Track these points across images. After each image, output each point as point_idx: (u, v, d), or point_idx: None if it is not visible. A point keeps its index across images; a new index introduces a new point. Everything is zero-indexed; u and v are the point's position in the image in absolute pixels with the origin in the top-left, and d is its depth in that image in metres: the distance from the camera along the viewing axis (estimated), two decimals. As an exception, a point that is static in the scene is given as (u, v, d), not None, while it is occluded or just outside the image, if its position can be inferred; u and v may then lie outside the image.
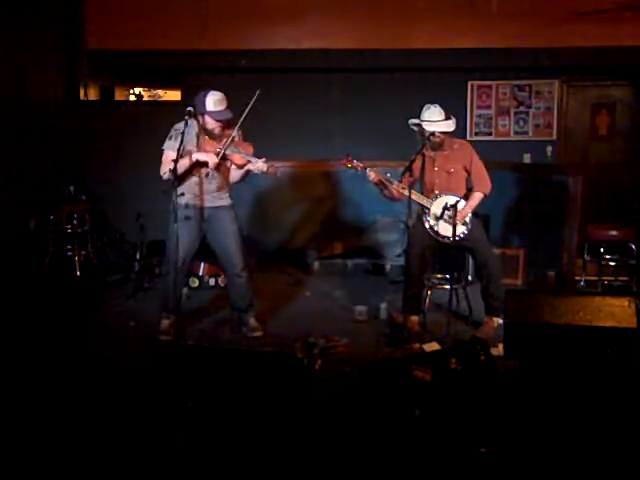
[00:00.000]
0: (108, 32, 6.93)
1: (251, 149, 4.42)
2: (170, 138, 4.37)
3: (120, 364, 4.01)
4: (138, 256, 6.17)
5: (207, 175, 4.39)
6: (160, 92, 9.56)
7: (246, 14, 6.87)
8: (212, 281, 6.00)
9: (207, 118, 4.30)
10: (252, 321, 4.70)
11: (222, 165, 4.44)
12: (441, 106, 4.55)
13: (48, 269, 6.08)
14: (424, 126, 4.49)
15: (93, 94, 7.74)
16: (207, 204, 4.48)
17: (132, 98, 9.10)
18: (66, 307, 5.28)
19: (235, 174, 4.57)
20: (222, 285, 5.98)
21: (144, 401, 3.16)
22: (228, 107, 4.31)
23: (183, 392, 3.06)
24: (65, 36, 7.02)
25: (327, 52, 6.94)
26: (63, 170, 6.82)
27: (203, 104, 4.25)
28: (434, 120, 4.48)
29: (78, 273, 6.17)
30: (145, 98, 9.29)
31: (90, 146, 6.95)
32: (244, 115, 4.30)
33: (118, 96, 8.63)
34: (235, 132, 4.35)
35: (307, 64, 7.03)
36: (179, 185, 4.36)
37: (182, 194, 4.39)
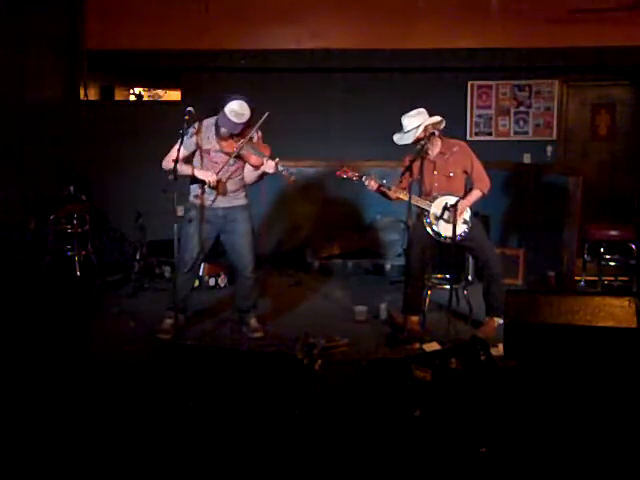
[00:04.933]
0: (108, 32, 6.92)
1: (268, 151, 4.43)
2: (187, 134, 4.33)
3: (120, 364, 4.00)
4: (138, 256, 6.17)
5: (202, 190, 4.39)
6: (160, 92, 9.55)
7: (246, 14, 6.86)
8: (212, 281, 6.00)
9: (220, 116, 4.31)
10: (253, 321, 4.71)
11: (241, 167, 4.48)
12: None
13: (48, 269, 6.08)
14: (394, 139, 4.57)
15: (93, 94, 7.74)
16: (223, 204, 4.49)
17: (132, 98, 9.09)
18: (66, 307, 5.29)
19: (251, 175, 4.56)
20: (222, 285, 5.99)
21: (144, 401, 3.16)
22: (243, 123, 4.27)
23: (184, 392, 3.06)
24: (65, 36, 7.01)
25: (327, 52, 6.94)
26: (63, 170, 6.82)
27: (225, 103, 4.26)
28: (399, 134, 4.56)
29: (78, 273, 6.17)
30: (145, 98, 9.28)
31: (90, 146, 6.94)
32: (257, 126, 4.33)
33: (118, 96, 8.62)
34: (253, 133, 4.37)
35: (307, 64, 7.02)
36: (193, 185, 4.40)
37: (196, 195, 4.41)
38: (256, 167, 4.44)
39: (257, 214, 6.57)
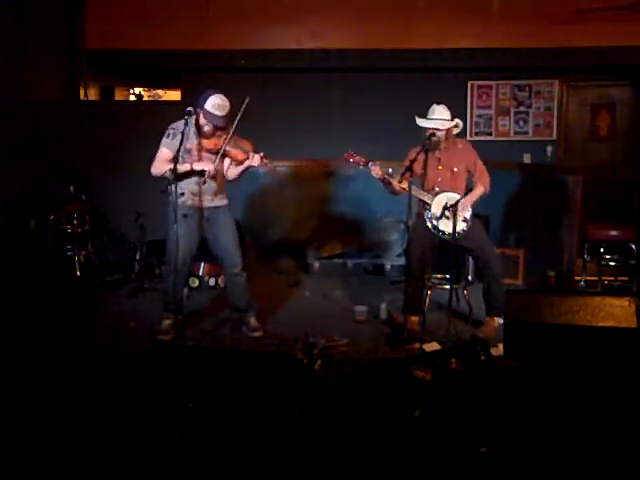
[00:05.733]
0: (108, 32, 6.93)
1: (249, 145, 4.48)
2: (168, 136, 4.38)
3: (120, 364, 4.00)
4: (138, 256, 6.17)
5: (204, 181, 4.38)
6: (160, 92, 9.55)
7: (246, 14, 6.86)
8: (212, 281, 5.99)
9: (201, 114, 4.32)
10: (252, 321, 4.71)
11: (221, 165, 4.47)
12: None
13: (48, 269, 6.08)
14: (417, 121, 4.54)
15: (93, 94, 7.74)
16: (207, 204, 4.50)
17: (132, 98, 9.10)
18: (66, 307, 5.29)
19: (233, 172, 4.59)
20: (222, 285, 5.98)
21: (144, 401, 3.16)
22: (226, 116, 4.31)
23: (183, 392, 3.06)
24: (65, 36, 7.01)
25: (327, 52, 6.94)
26: (63, 170, 6.82)
27: (204, 100, 4.28)
28: (429, 118, 4.52)
29: (78, 273, 6.17)
30: (145, 98, 9.28)
31: (90, 146, 6.95)
32: (236, 121, 4.34)
33: (118, 96, 8.63)
34: (233, 130, 4.38)
35: (307, 64, 7.02)
36: (179, 185, 4.37)
37: (182, 194, 4.40)
38: (240, 162, 4.46)
39: (257, 214, 6.62)
